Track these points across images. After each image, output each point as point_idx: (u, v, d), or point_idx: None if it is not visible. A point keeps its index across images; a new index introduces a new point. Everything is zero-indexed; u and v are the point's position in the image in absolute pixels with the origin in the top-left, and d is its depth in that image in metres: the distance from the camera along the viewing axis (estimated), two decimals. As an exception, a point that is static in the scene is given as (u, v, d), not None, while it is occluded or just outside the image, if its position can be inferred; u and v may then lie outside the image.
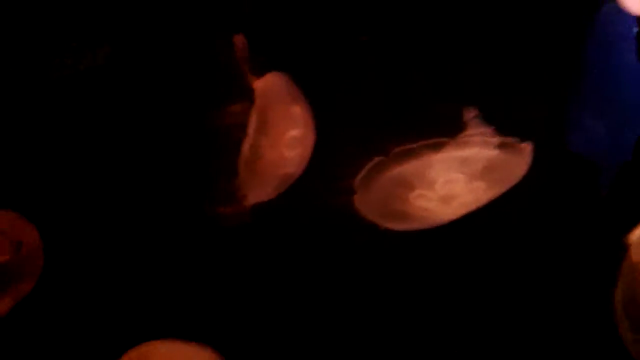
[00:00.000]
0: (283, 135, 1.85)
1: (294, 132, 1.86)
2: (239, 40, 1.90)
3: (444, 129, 1.68)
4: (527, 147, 1.73)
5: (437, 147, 1.69)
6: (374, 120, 1.92)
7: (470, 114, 1.68)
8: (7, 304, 1.82)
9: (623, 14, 1.82)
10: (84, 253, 1.93)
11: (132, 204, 1.96)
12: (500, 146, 1.69)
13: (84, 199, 1.93)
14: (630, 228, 1.55)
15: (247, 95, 1.83)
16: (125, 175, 1.96)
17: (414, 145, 1.71)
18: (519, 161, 1.74)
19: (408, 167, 1.74)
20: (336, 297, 1.99)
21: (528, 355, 1.95)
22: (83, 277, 1.93)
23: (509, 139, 1.71)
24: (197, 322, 1.94)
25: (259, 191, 1.90)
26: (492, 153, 1.69)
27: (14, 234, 1.82)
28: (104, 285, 1.95)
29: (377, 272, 1.99)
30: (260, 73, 1.83)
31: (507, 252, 1.98)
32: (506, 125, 1.70)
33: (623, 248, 1.56)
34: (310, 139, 1.88)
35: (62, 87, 1.93)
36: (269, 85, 1.85)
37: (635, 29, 1.90)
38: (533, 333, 1.96)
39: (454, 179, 1.75)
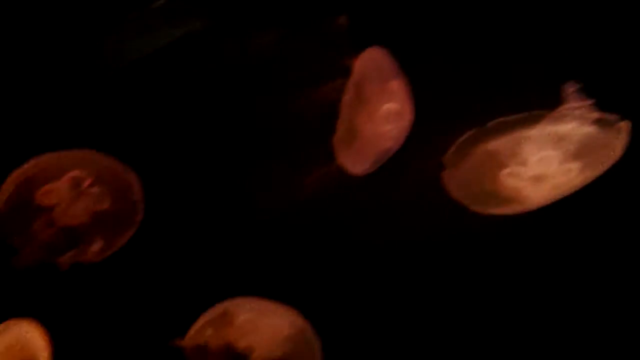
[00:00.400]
0: (380, 109, 1.88)
1: (391, 106, 1.88)
2: (342, 19, 1.95)
3: (541, 103, 1.66)
4: (625, 126, 1.69)
5: (533, 121, 1.67)
6: (470, 94, 1.91)
7: (569, 87, 1.65)
8: (104, 252, 1.89)
9: None
10: (181, 208, 1.99)
11: (223, 169, 2.00)
12: (598, 122, 1.65)
13: (184, 157, 1.99)
14: None
15: (345, 72, 1.87)
16: (219, 140, 2.01)
17: (508, 119, 1.69)
18: (616, 140, 1.70)
19: (501, 142, 1.72)
20: (417, 273, 1.98)
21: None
22: (179, 230, 1.99)
23: (608, 115, 1.66)
24: (283, 282, 1.97)
25: (356, 165, 1.93)
26: (589, 129, 1.65)
27: (116, 185, 1.87)
28: (198, 240, 2.00)
29: (458, 255, 1.97)
30: (358, 49, 1.86)
31: (599, 245, 1.93)
32: (605, 101, 1.65)
33: None
34: (407, 114, 1.89)
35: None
36: (367, 60, 1.88)
37: None
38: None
39: (548, 156, 1.71)
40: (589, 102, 1.65)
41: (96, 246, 1.85)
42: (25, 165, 1.79)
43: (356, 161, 1.93)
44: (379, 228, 2.00)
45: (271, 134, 1.98)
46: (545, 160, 1.73)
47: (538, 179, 1.75)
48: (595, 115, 1.66)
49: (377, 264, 1.99)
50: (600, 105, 1.66)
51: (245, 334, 1.96)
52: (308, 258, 2.01)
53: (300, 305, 1.93)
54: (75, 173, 1.83)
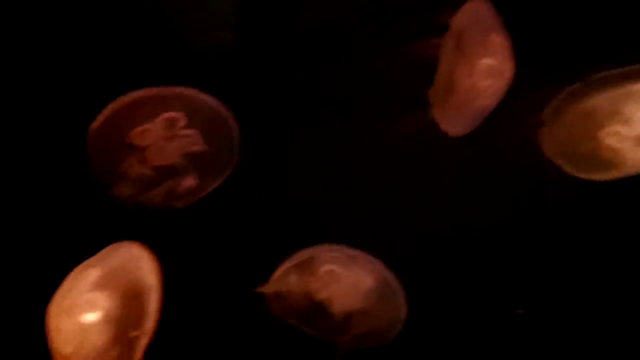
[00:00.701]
0: (479, 63, 1.85)
1: (489, 61, 1.84)
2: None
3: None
4: None
5: (637, 76, 1.59)
6: (570, 48, 1.84)
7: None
8: (195, 192, 1.90)
9: None
10: (274, 153, 1.99)
11: (316, 115, 2.00)
12: None
13: (281, 103, 2.01)
14: None
15: (443, 26, 1.85)
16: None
17: (610, 73, 1.62)
18: None
19: (601, 99, 1.66)
20: (507, 234, 1.94)
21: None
22: (270, 174, 2.00)
23: None
24: (371, 231, 1.96)
25: (451, 123, 1.90)
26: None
27: (212, 127, 1.86)
28: (288, 184, 2.00)
29: (549, 219, 1.91)
30: (459, 3, 1.84)
31: None
32: None
33: None
34: (507, 70, 1.84)
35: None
36: (469, 12, 1.85)
37: None
38: None
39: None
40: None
41: (187, 187, 1.87)
42: (119, 102, 1.79)
43: (451, 118, 1.90)
44: (468, 183, 1.96)
45: (367, 83, 1.98)
46: (652, 119, 1.64)
47: (642, 140, 1.67)
48: None
49: (466, 221, 1.96)
50: None
51: (327, 285, 1.96)
52: (397, 207, 1.99)
53: (387, 257, 1.91)
54: (170, 114, 1.82)
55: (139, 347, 1.53)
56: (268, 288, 1.95)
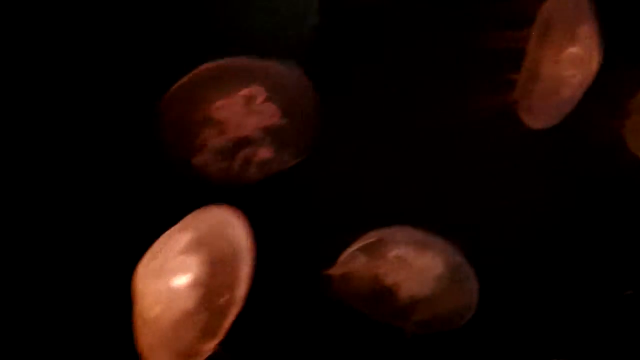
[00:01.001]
0: (565, 52, 1.84)
1: (576, 51, 1.84)
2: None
3: None
4: None
5: None
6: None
7: None
8: (271, 166, 1.88)
9: None
10: (352, 130, 1.98)
11: (397, 94, 1.99)
12: None
13: (363, 80, 1.99)
14: None
15: (530, 16, 1.84)
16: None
17: None
18: None
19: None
20: (583, 224, 1.93)
21: None
22: (346, 152, 1.98)
23: None
24: (444, 213, 1.94)
25: (535, 116, 1.88)
26: None
27: (292, 102, 1.86)
28: (364, 162, 1.99)
29: (632, 212, 1.91)
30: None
31: None
32: None
33: None
34: (594, 62, 1.83)
35: None
36: (559, 1, 1.85)
37: None
38: None
39: None
40: None
41: (262, 159, 1.86)
42: (202, 73, 1.80)
43: (534, 110, 1.89)
44: (546, 173, 1.95)
45: (449, 68, 1.97)
46: None
47: None
48: None
49: (541, 209, 1.94)
50: None
51: (395, 270, 1.94)
52: (471, 192, 1.97)
53: (459, 242, 1.89)
54: (250, 89, 1.83)
55: (229, 314, 1.50)
56: (335, 270, 1.92)
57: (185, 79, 1.78)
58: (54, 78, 1.87)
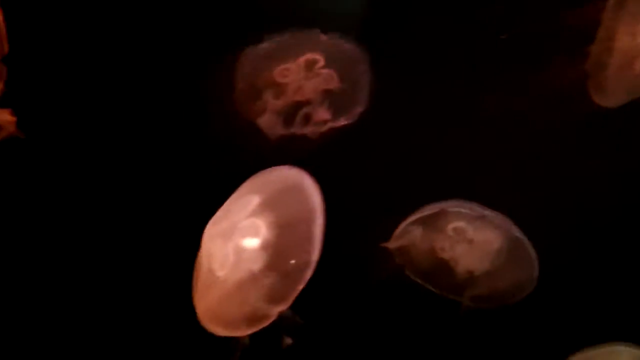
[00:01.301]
0: (639, 24, 1.79)
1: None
2: None
3: None
4: None
5: None
6: None
7: None
8: (327, 126, 1.89)
9: None
10: (404, 97, 1.94)
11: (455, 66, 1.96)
12: None
13: (420, 51, 1.95)
14: None
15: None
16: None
17: None
18: None
19: None
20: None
21: None
22: (398, 120, 1.94)
23: None
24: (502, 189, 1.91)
25: (606, 93, 1.84)
26: None
27: (348, 69, 1.89)
28: (418, 131, 1.95)
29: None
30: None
31: None
32: None
33: None
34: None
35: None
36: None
37: None
38: None
39: None
40: None
41: (321, 119, 1.89)
42: (263, 44, 1.88)
43: (606, 87, 1.84)
44: (609, 151, 1.91)
45: (516, 40, 1.92)
46: None
47: None
48: None
49: (602, 189, 1.91)
50: None
51: (454, 244, 1.91)
52: (533, 167, 1.93)
53: (519, 218, 1.86)
54: (311, 55, 1.89)
55: (300, 278, 1.47)
56: (392, 243, 1.90)
57: (251, 49, 1.88)
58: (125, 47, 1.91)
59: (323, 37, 1.89)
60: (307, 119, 1.89)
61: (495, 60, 1.94)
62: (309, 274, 1.48)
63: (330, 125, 1.88)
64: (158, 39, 1.91)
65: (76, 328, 1.92)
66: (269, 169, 1.61)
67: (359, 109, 1.89)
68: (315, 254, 1.48)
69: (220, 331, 1.57)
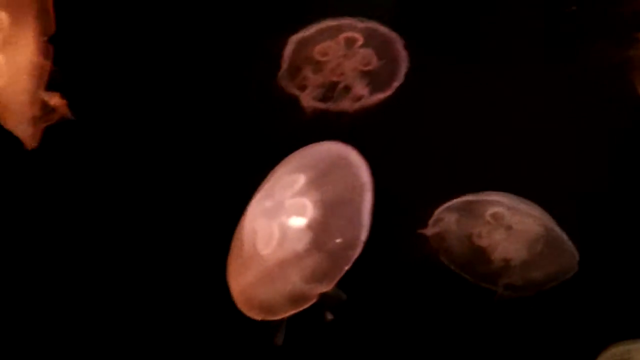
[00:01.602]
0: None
1: None
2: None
3: None
4: None
5: None
6: None
7: None
8: (362, 102, 1.91)
9: None
10: (439, 82, 1.93)
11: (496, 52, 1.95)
12: None
13: (457, 34, 1.94)
14: None
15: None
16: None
17: None
18: None
19: None
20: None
21: None
22: (431, 104, 1.94)
23: None
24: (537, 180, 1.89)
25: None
26: None
27: (385, 50, 1.91)
28: (451, 116, 1.94)
29: None
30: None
31: None
32: None
33: None
34: None
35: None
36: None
37: None
38: None
39: None
40: None
41: (358, 96, 1.92)
42: (308, 28, 1.93)
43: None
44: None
45: (560, 24, 1.90)
46: None
47: None
48: None
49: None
50: None
51: (492, 231, 1.88)
52: (572, 157, 1.91)
53: (557, 209, 1.83)
54: (350, 34, 1.93)
55: (346, 258, 1.44)
56: (429, 230, 1.87)
57: (295, 35, 1.93)
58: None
59: (362, 23, 1.92)
60: (345, 93, 1.91)
61: (536, 42, 1.92)
62: (356, 253, 1.44)
63: (367, 100, 1.90)
64: (210, 23, 1.96)
65: (109, 312, 1.92)
66: (313, 145, 1.57)
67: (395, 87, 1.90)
68: (364, 233, 1.44)
69: (256, 313, 1.54)
